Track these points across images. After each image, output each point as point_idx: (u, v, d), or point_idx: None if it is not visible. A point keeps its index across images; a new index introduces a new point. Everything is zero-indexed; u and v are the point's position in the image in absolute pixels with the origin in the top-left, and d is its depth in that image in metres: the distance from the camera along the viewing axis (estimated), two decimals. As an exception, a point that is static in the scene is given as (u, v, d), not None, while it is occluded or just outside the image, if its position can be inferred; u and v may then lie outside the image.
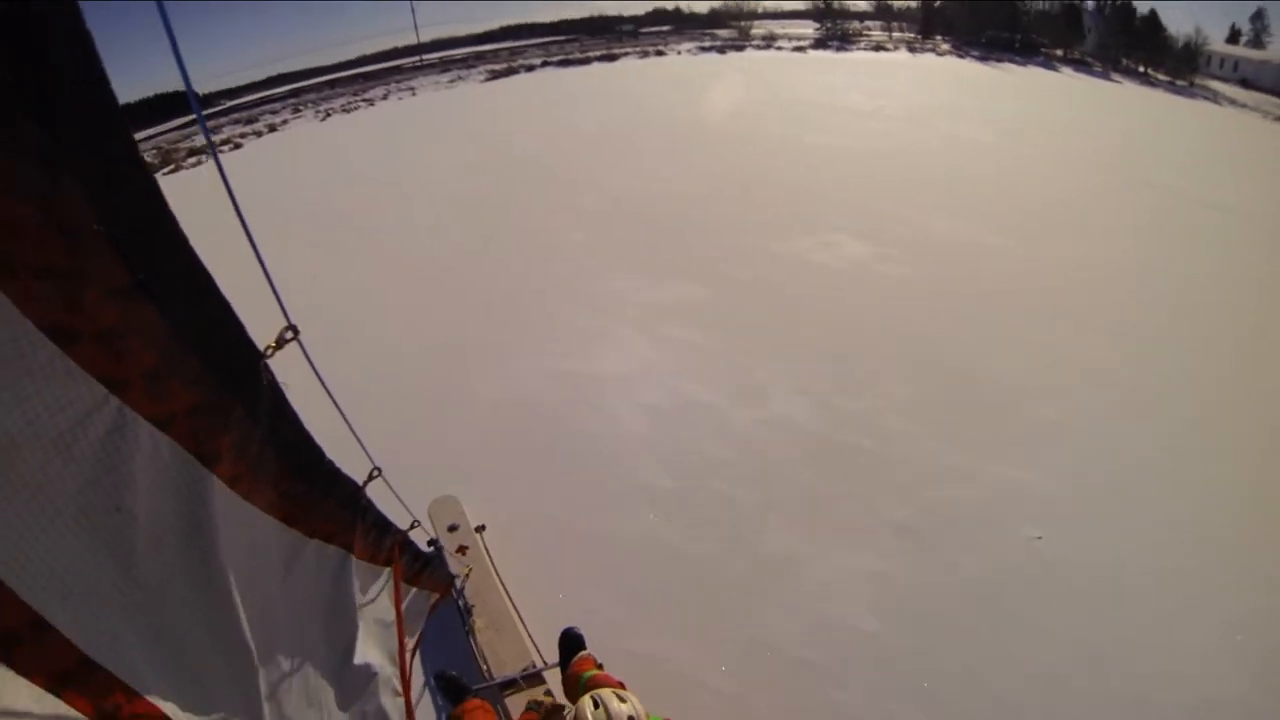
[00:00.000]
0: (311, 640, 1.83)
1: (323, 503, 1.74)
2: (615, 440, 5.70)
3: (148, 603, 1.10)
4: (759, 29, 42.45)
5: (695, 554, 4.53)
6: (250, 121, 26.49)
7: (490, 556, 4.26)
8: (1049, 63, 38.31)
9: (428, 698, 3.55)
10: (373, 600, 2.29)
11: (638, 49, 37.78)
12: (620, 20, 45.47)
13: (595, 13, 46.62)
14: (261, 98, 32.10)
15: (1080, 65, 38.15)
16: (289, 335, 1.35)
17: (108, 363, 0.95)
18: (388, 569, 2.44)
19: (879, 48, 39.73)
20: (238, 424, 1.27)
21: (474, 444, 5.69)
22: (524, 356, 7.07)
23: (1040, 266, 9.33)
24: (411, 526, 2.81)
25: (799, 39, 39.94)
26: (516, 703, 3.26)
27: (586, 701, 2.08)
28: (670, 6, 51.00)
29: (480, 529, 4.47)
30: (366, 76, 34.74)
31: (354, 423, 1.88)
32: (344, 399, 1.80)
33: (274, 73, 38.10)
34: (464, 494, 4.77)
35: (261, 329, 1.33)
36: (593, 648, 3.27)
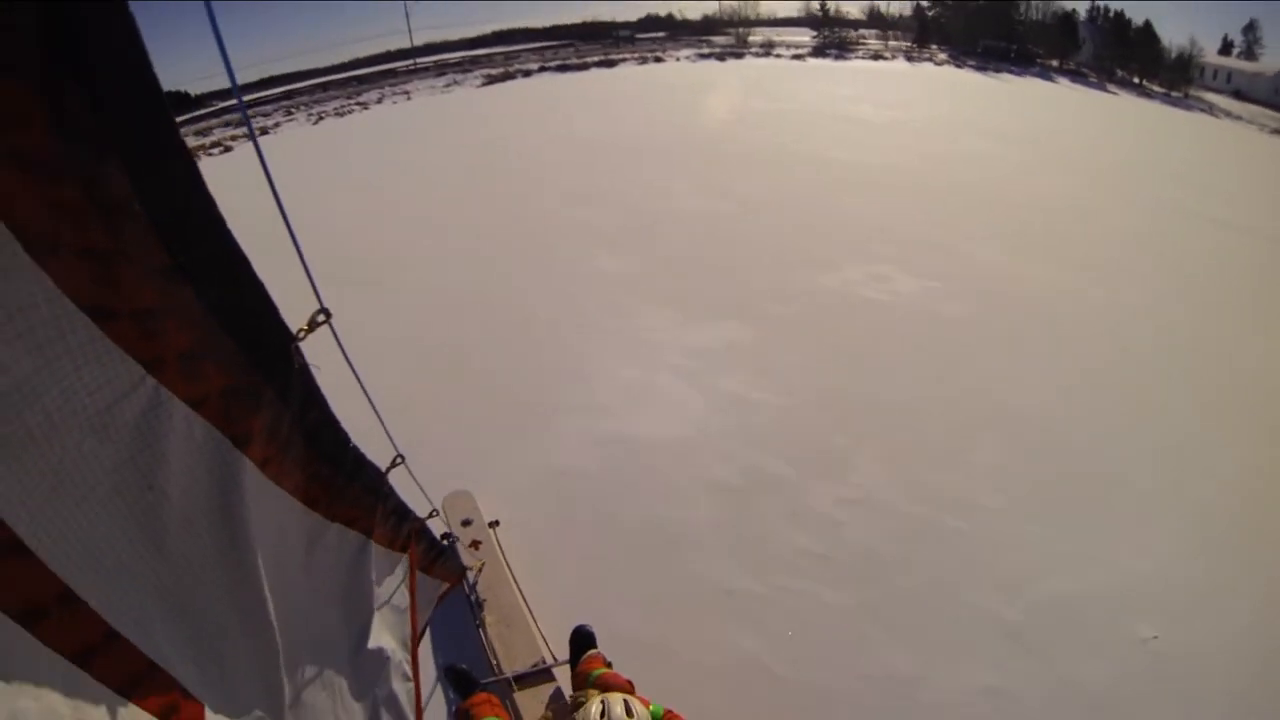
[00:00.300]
0: (329, 623, 1.86)
1: (347, 488, 1.75)
2: (676, 525, 4.93)
3: (176, 580, 1.10)
4: (756, 36, 42.15)
5: (796, 680, 3.91)
6: (241, 124, 25.51)
7: (503, 552, 4.28)
8: (1045, 73, 38.42)
9: (436, 688, 3.50)
10: (388, 586, 2.31)
11: (635, 55, 37.37)
12: (615, 26, 44.99)
13: (590, 18, 46.13)
14: (253, 99, 31.18)
15: (1076, 76, 38.29)
16: (320, 319, 1.35)
17: (144, 342, 0.96)
18: (404, 555, 2.46)
19: (877, 56, 39.69)
20: (269, 406, 1.28)
21: (511, 518, 4.93)
22: (559, 416, 6.16)
23: (1116, 310, 8.56)
24: (430, 515, 2.82)
25: (797, 47, 39.77)
26: (525, 698, 3.25)
27: (594, 708, 2.09)
28: (663, 12, 50.56)
29: (494, 524, 4.49)
30: (360, 79, 33.96)
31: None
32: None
33: (266, 74, 37.55)
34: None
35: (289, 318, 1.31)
36: (604, 647, 3.26)
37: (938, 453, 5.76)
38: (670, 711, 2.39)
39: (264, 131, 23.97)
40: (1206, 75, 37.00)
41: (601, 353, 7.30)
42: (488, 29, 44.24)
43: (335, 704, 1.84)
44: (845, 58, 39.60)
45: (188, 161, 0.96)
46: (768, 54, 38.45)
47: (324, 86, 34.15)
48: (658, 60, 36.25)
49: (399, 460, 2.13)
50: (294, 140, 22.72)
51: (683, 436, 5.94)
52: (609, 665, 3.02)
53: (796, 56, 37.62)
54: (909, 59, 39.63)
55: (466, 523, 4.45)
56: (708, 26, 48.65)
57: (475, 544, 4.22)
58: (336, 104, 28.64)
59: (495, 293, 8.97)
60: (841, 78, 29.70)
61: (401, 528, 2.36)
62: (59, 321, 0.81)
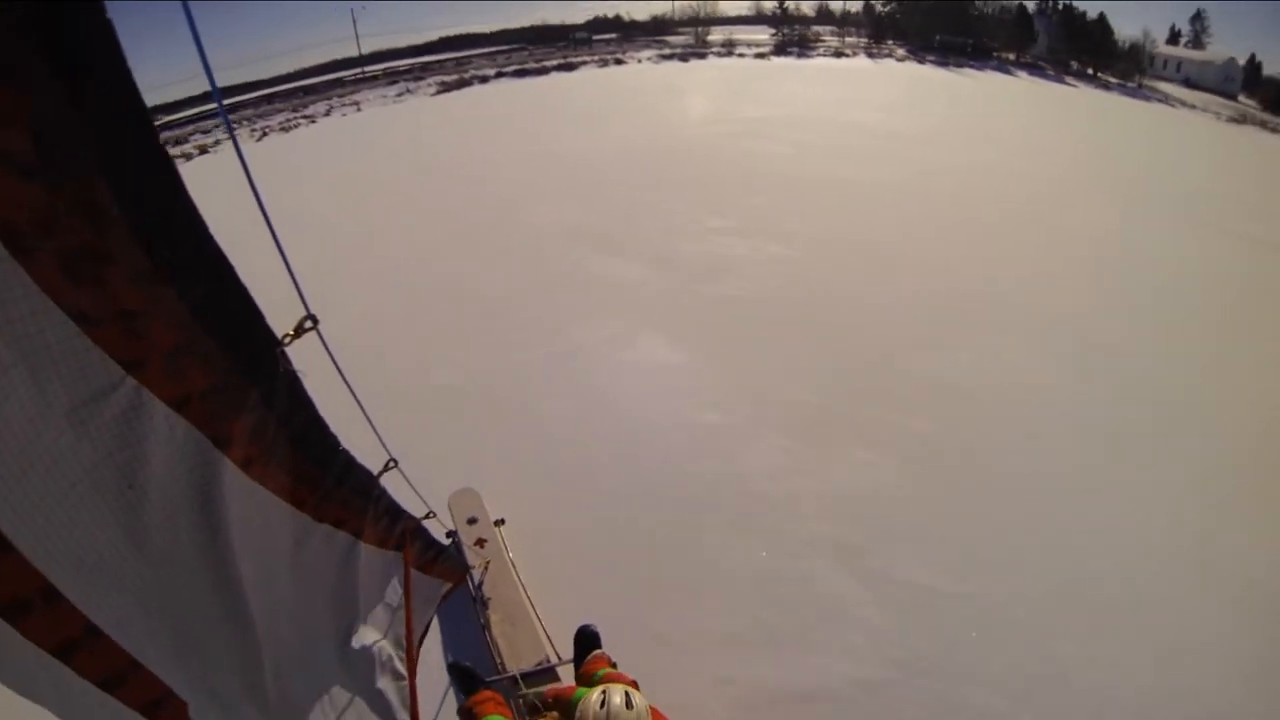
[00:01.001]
0: (317, 622, 1.85)
1: (336, 489, 1.74)
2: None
3: (157, 579, 1.10)
4: (714, 35, 41.34)
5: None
6: (179, 143, 22.99)
7: (508, 550, 4.27)
8: (1004, 66, 38.76)
9: (439, 685, 3.44)
10: (381, 585, 2.31)
11: (595, 58, 35.92)
12: (566, 29, 43.49)
13: (538, 21, 44.56)
14: (194, 115, 28.30)
15: (1034, 69, 38.65)
16: (308, 325, 1.36)
17: (127, 343, 0.96)
18: (398, 555, 2.44)
19: (839, 54, 39.41)
20: (253, 409, 1.27)
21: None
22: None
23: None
24: (426, 517, 2.85)
25: (757, 45, 39.10)
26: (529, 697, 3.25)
27: (594, 698, 2.06)
28: (611, 14, 49.41)
29: (499, 523, 4.48)
30: (306, 90, 31.44)
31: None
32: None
33: (206, 88, 33.75)
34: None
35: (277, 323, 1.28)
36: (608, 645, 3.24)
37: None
38: None
39: (203, 150, 21.51)
40: (1157, 65, 37.85)
41: (700, 539, 5.10)
42: (434, 35, 42.14)
43: (322, 702, 1.81)
44: (807, 56, 39.34)
45: (168, 165, 0.96)
46: (730, 53, 37.68)
47: (269, 99, 31.42)
48: (619, 62, 35.03)
49: (392, 464, 2.12)
50: (235, 161, 20.34)
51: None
52: (614, 665, 3.01)
53: (760, 55, 37.04)
54: (870, 56, 39.58)
55: (472, 521, 4.44)
56: (659, 27, 47.65)
57: (480, 542, 4.22)
58: (281, 118, 26.31)
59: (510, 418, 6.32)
60: (815, 77, 29.13)
61: (394, 528, 2.34)
62: (38, 319, 0.82)
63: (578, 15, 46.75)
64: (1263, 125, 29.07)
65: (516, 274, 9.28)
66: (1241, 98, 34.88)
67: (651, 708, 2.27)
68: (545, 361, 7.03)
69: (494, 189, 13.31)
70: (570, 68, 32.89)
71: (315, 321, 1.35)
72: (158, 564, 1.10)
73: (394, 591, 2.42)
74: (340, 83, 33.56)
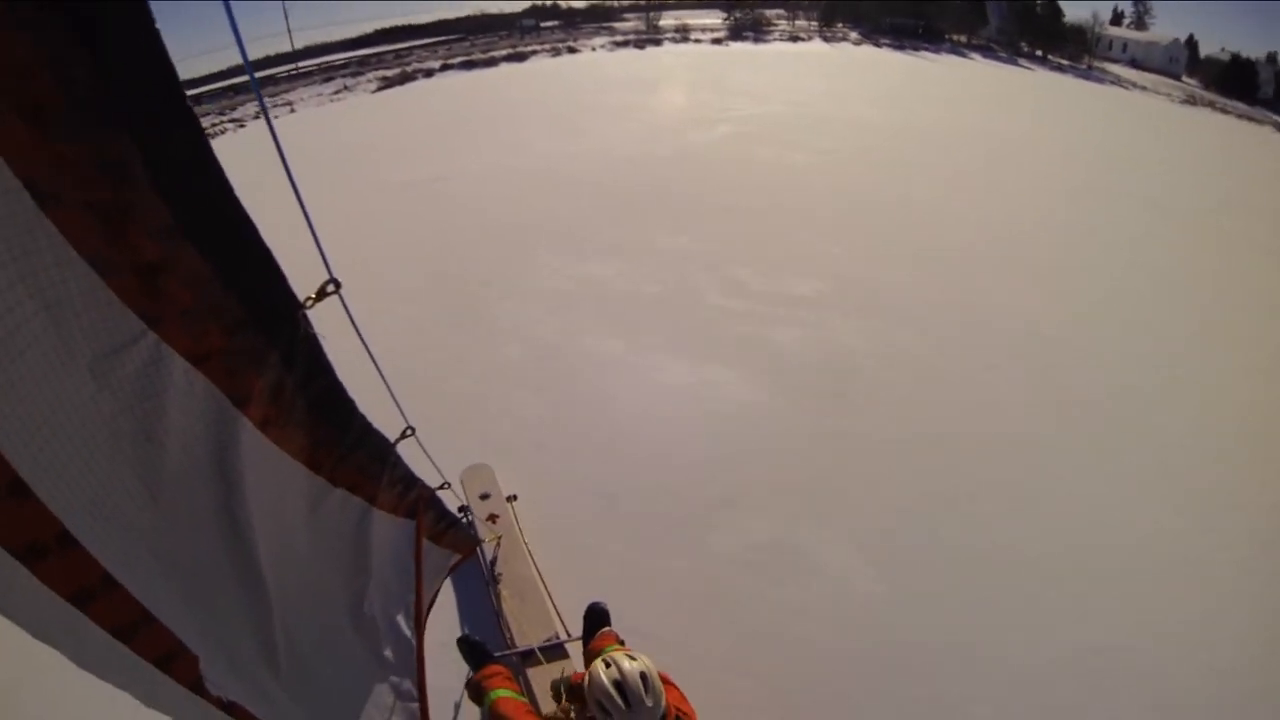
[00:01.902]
0: (328, 583, 1.86)
1: (352, 454, 1.75)
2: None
3: (171, 531, 1.11)
4: (666, 20, 39.87)
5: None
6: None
7: (520, 526, 4.27)
8: (958, 49, 38.63)
9: (448, 658, 3.29)
10: (392, 552, 2.31)
11: (545, 46, 33.80)
12: (509, 17, 41.12)
13: (477, 10, 42.07)
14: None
15: (986, 51, 38.68)
16: (330, 289, 1.36)
17: (146, 298, 0.97)
18: (411, 522, 2.46)
19: (794, 38, 38.55)
20: (272, 369, 1.28)
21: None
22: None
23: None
24: (440, 487, 2.86)
25: (711, 30, 37.88)
26: (538, 672, 3.25)
27: (599, 664, 2.09)
28: (547, 2, 47.31)
29: (512, 499, 4.46)
30: (235, 89, 28.19)
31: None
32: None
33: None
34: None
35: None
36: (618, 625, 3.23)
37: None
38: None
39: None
40: (1103, 46, 38.42)
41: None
42: (369, 28, 38.97)
43: (332, 662, 1.82)
44: (763, 40, 38.34)
45: (192, 125, 0.97)
46: (685, 39, 36.22)
47: (196, 99, 28.07)
48: (571, 51, 33.01)
49: (409, 432, 2.13)
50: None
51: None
52: (622, 643, 3.01)
53: (716, 41, 35.79)
54: (825, 39, 38.91)
55: (484, 496, 4.43)
56: (603, 13, 45.79)
57: (493, 518, 4.22)
58: (209, 120, 23.24)
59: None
60: (783, 64, 27.95)
61: (408, 495, 2.35)
62: (61, 269, 0.83)
63: (516, 3, 44.54)
64: (1212, 106, 29.73)
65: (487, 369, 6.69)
66: (1187, 79, 35.77)
67: (661, 675, 2.30)
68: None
69: (468, 227, 9.97)
70: (520, 58, 30.75)
71: (338, 285, 1.36)
72: (173, 518, 1.10)
73: (405, 559, 2.43)
74: (272, 80, 30.36)
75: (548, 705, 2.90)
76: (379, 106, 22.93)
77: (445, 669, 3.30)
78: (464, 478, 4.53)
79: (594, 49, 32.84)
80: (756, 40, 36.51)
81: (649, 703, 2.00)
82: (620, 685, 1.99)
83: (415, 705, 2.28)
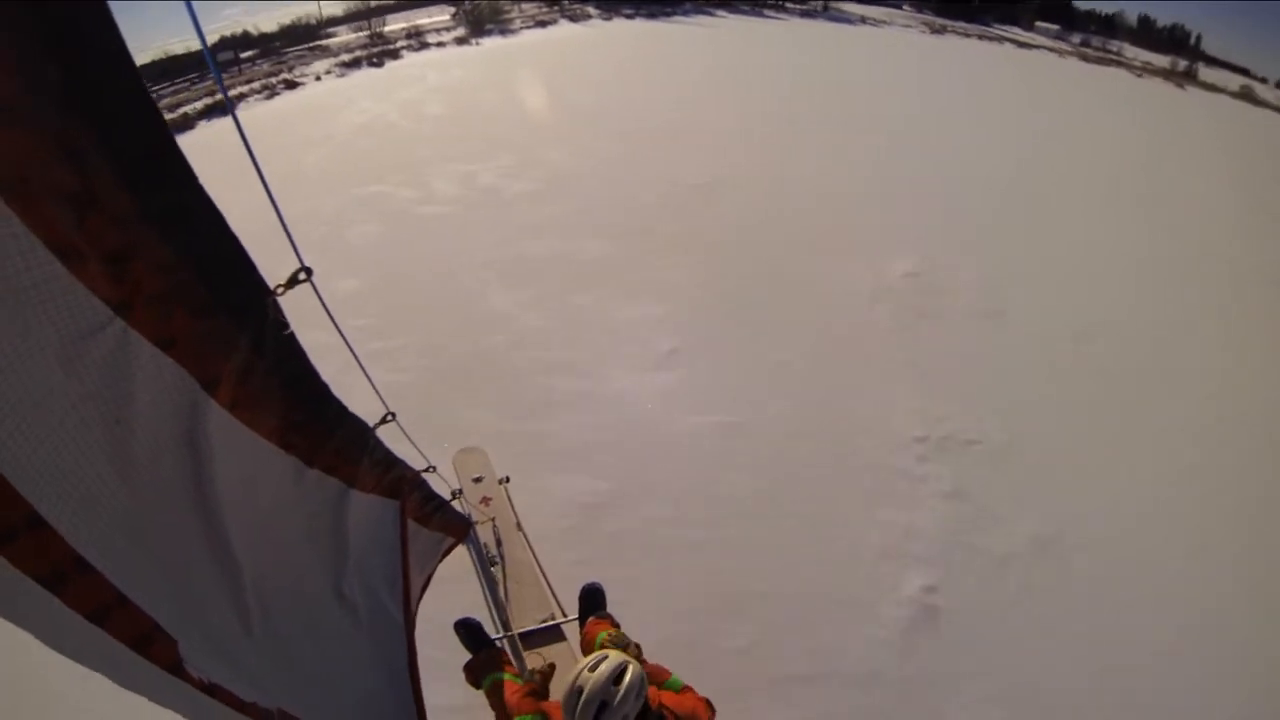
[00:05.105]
0: (307, 566, 1.86)
1: (328, 437, 1.75)
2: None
3: (143, 514, 1.12)
4: (392, 26, 34.16)
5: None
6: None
7: (514, 508, 4.25)
8: (705, 9, 38.05)
9: (444, 641, 3.30)
10: (376, 534, 2.29)
11: (254, 85, 26.44)
12: (197, 56, 32.21)
13: (160, 53, 32.47)
14: None
15: (730, 7, 38.76)
16: (301, 276, 1.37)
17: (112, 285, 0.98)
18: (395, 503, 2.44)
19: (541, 23, 35.37)
20: (241, 354, 1.29)
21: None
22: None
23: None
24: (425, 470, 2.83)
25: (446, 29, 33.38)
26: (535, 654, 3.25)
27: (587, 661, 2.08)
28: (237, 31, 38.48)
29: (505, 481, 4.44)
30: None
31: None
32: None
33: None
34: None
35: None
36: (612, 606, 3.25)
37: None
38: (689, 688, 2.40)
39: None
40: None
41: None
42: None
43: (317, 642, 1.83)
44: (510, 31, 34.52)
45: (153, 112, 0.97)
46: (424, 45, 31.05)
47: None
48: (290, 86, 26.02)
49: (390, 417, 2.12)
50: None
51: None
52: (616, 626, 3.00)
53: (460, 41, 31.07)
54: (572, 20, 36.27)
55: (477, 479, 4.41)
56: (308, 31, 38.35)
57: (486, 500, 4.21)
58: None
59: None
60: (580, 61, 23.19)
61: (388, 476, 2.33)
62: (25, 257, 0.83)
63: (194, 39, 35.25)
64: (955, 32, 32.02)
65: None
66: (906, 7, 38.51)
67: (652, 666, 2.44)
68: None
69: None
70: (221, 111, 23.42)
71: (309, 273, 1.37)
72: (144, 500, 1.11)
73: (391, 541, 2.41)
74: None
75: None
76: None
77: (442, 652, 3.24)
78: (456, 461, 4.52)
79: (318, 78, 26.04)
80: (503, 33, 32.50)
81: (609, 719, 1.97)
82: (576, 696, 1.97)
83: (408, 689, 2.27)
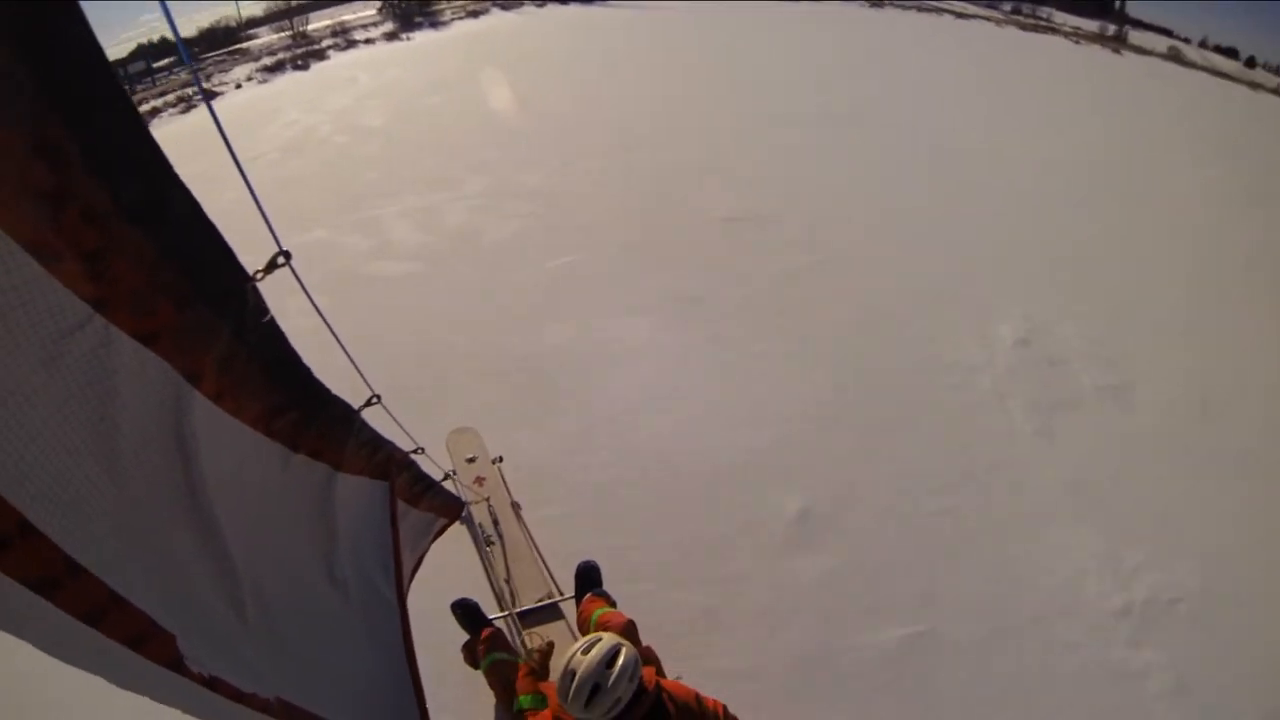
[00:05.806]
0: (299, 551, 1.87)
1: (312, 421, 1.76)
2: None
3: (134, 511, 1.12)
4: (316, 25, 32.84)
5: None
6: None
7: (508, 487, 4.27)
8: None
9: (440, 622, 3.31)
10: (365, 516, 2.30)
11: (170, 97, 25.01)
12: (118, 65, 30.58)
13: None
14: None
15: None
16: (280, 261, 1.38)
17: (91, 283, 0.97)
18: (384, 484, 2.45)
19: (474, 14, 34.31)
20: (224, 343, 1.30)
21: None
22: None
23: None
24: (414, 452, 2.85)
25: (373, 24, 32.02)
26: (532, 634, 3.27)
27: (578, 645, 2.11)
28: (151, 39, 36.44)
29: (498, 460, 4.45)
30: None
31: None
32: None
33: None
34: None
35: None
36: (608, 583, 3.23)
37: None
38: (680, 683, 2.37)
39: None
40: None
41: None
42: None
43: (311, 626, 1.83)
44: (441, 24, 33.38)
45: (126, 106, 0.97)
46: (351, 44, 29.95)
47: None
48: (212, 95, 24.63)
49: (375, 399, 2.12)
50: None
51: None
52: (613, 604, 3.05)
53: (390, 36, 30.03)
54: (504, 8, 35.32)
55: (471, 459, 4.41)
56: (226, 36, 36.62)
57: (479, 480, 4.22)
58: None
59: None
60: (539, 53, 20.89)
61: (376, 457, 2.33)
62: (2, 260, 0.82)
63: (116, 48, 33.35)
64: (903, 7, 32.35)
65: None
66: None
67: (647, 647, 2.45)
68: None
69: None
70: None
71: (288, 257, 1.38)
72: (134, 497, 1.11)
73: (381, 521, 2.42)
74: None
75: None
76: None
77: (439, 633, 3.17)
78: (449, 442, 4.50)
79: (238, 85, 24.86)
80: (434, 26, 31.61)
81: (602, 701, 1.96)
82: (569, 679, 1.99)
83: (405, 669, 2.26)
